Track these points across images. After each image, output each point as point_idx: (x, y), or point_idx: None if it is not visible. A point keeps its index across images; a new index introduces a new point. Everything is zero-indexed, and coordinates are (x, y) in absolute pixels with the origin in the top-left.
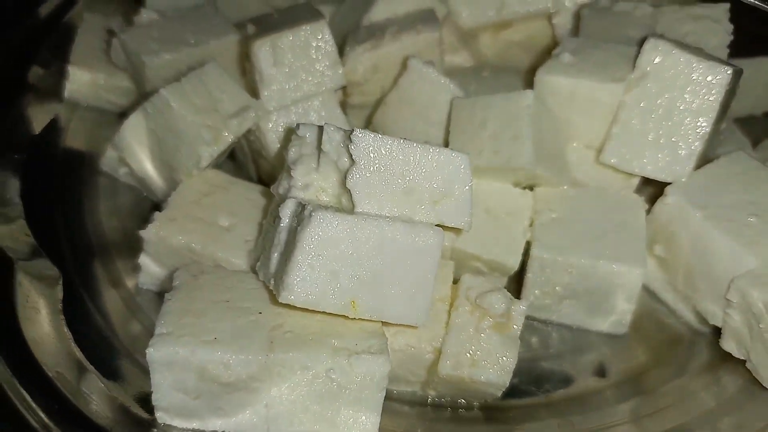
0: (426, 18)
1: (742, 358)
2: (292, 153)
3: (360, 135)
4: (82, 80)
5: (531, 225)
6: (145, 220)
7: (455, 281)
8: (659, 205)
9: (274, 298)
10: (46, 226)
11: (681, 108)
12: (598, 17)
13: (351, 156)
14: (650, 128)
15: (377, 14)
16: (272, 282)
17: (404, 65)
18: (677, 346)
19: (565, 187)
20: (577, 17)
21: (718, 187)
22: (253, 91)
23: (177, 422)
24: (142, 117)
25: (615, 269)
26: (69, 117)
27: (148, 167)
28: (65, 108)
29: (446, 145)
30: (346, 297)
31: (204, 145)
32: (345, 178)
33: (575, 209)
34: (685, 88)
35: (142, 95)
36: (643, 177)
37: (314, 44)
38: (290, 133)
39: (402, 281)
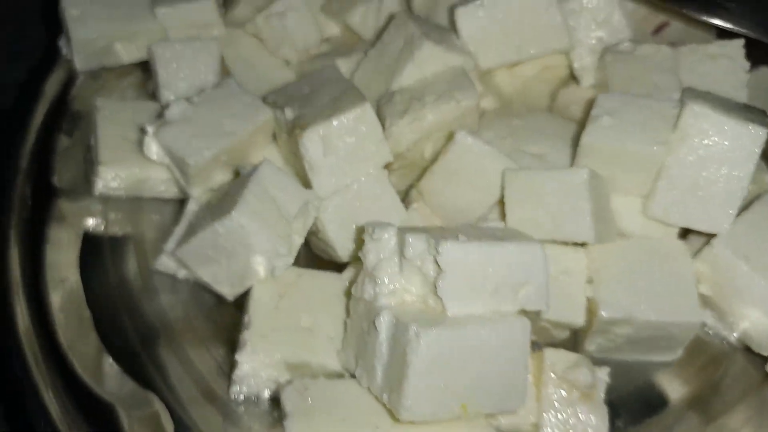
0: (462, 85)
1: None
2: (371, 257)
3: (447, 247)
4: (114, 177)
5: (589, 281)
6: (206, 309)
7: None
8: (706, 253)
9: (384, 408)
10: (116, 337)
11: (721, 165)
12: (623, 63)
13: (437, 264)
14: (693, 184)
15: (407, 78)
16: (385, 398)
17: (450, 137)
18: (722, 363)
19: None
20: (602, 61)
21: (758, 234)
22: (286, 158)
23: None
24: (211, 235)
25: (673, 322)
26: (105, 209)
27: (214, 276)
28: (99, 200)
29: (502, 217)
30: (457, 402)
31: (279, 257)
32: (432, 283)
33: (628, 263)
34: (725, 148)
35: (187, 184)
36: None
37: (362, 128)
38: (360, 232)
39: (500, 374)
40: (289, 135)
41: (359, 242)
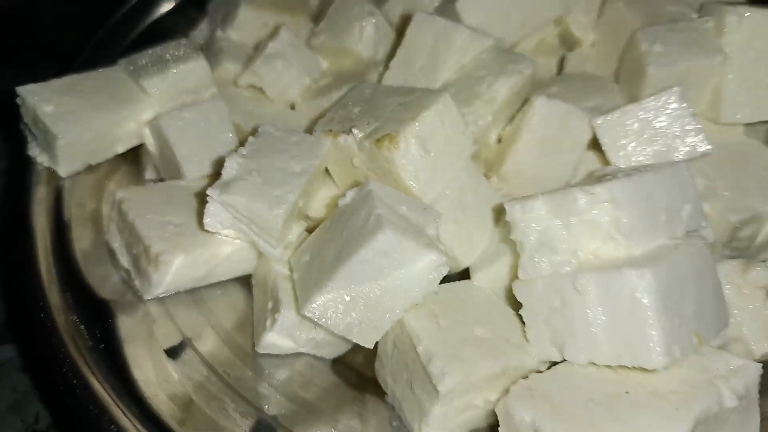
0: (513, 58)
1: None
2: (532, 231)
3: (618, 185)
4: (180, 267)
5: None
6: None
7: None
8: None
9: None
10: None
11: None
12: (633, 3)
13: (612, 208)
14: (757, 80)
15: (450, 70)
16: (627, 359)
17: (531, 105)
18: None
19: None
20: (604, 10)
21: None
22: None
23: None
24: (358, 267)
25: None
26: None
27: (350, 326)
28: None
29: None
30: (691, 334)
31: (440, 267)
32: (606, 232)
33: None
34: None
35: (273, 243)
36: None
37: (446, 122)
38: (499, 212)
39: (708, 297)
40: (369, 153)
41: (503, 226)
